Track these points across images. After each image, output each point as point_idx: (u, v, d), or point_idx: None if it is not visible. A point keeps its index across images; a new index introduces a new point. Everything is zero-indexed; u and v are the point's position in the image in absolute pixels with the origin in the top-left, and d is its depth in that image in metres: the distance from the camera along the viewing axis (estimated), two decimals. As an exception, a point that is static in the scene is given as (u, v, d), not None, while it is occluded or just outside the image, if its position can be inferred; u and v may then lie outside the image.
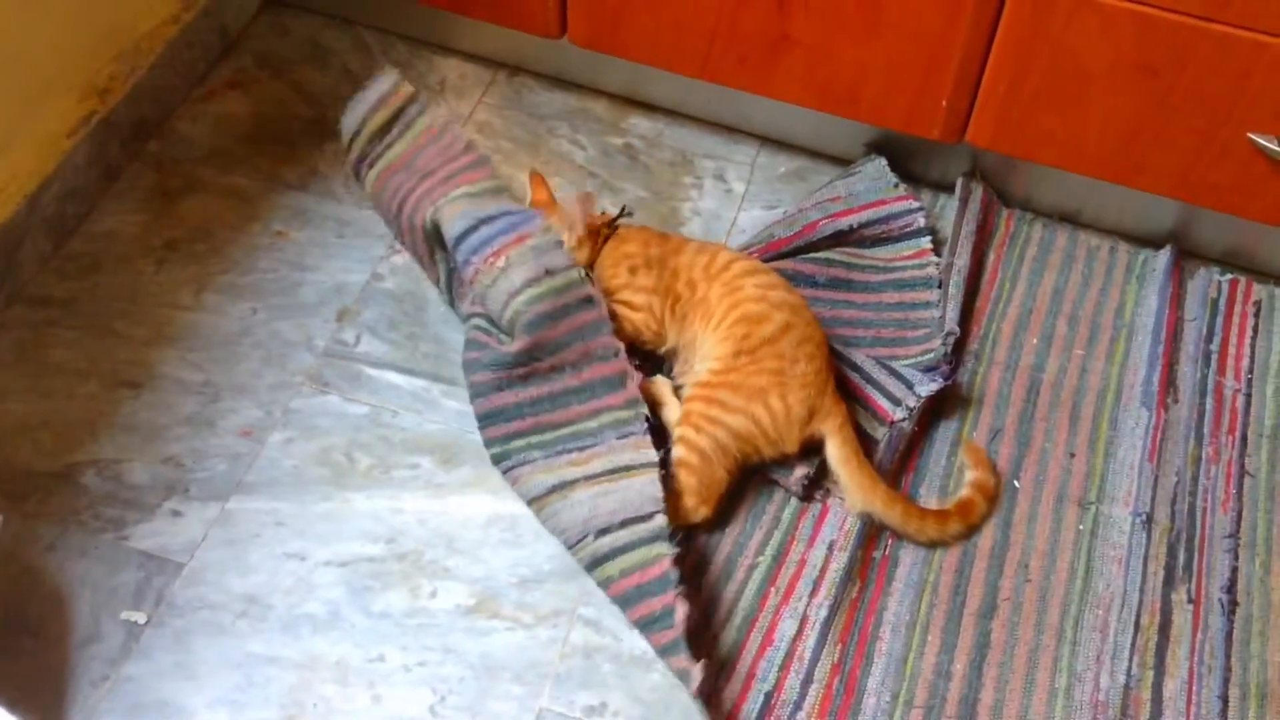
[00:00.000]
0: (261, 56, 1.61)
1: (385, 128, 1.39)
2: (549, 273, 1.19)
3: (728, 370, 1.20)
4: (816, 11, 1.32)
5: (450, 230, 1.24)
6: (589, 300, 1.19)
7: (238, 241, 1.41)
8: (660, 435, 1.19)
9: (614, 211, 1.34)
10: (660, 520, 1.09)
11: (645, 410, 1.16)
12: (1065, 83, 1.28)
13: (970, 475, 1.23)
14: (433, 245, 1.30)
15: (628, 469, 1.13)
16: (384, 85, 1.40)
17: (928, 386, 1.25)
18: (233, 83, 1.58)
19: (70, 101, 1.39)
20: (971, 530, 1.21)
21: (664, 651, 1.07)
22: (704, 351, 1.23)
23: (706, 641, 1.12)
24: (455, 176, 1.32)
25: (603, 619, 1.14)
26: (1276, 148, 1.23)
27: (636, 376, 1.17)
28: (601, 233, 1.29)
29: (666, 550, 1.08)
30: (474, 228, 1.23)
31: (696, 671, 1.03)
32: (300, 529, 1.18)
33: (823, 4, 1.31)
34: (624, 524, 1.10)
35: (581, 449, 1.16)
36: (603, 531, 1.11)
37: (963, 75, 1.32)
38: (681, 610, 1.05)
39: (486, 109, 1.58)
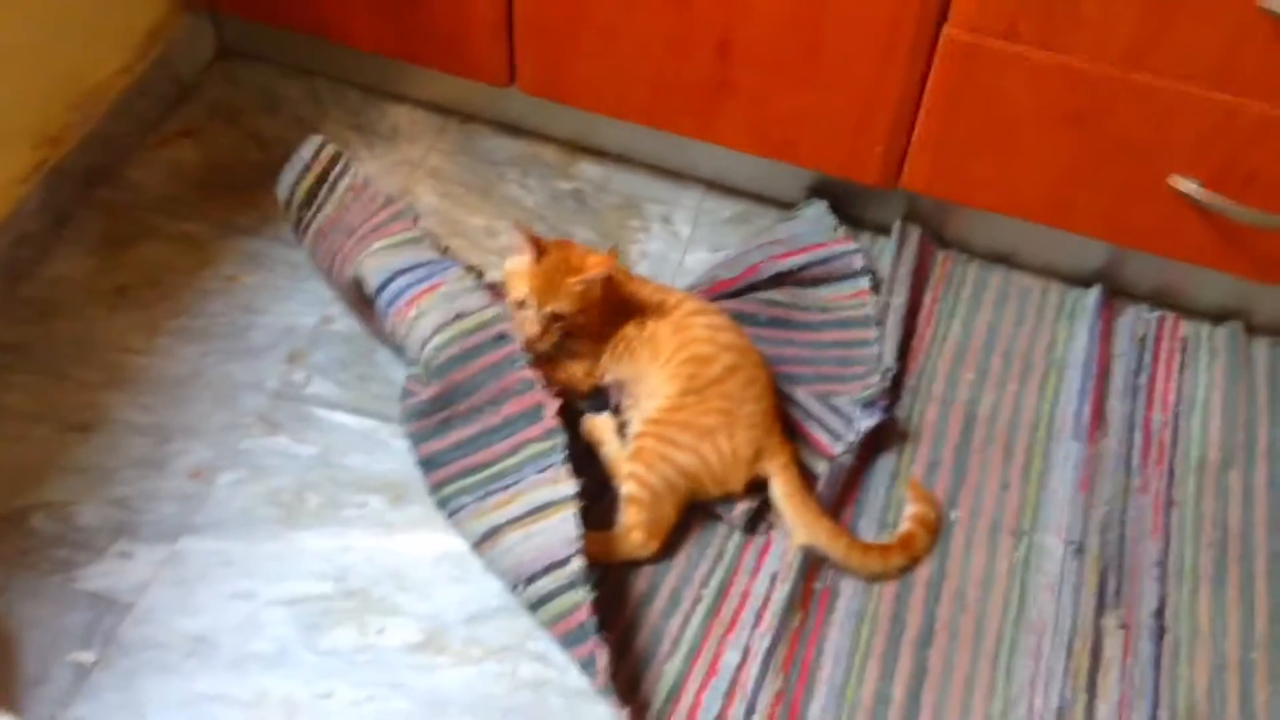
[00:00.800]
0: (214, 105, 1.64)
1: (313, 191, 1.43)
2: (459, 316, 1.23)
3: (677, 409, 1.23)
4: (756, 60, 1.36)
5: (371, 284, 1.28)
6: (501, 337, 1.21)
7: (189, 286, 1.43)
8: (580, 461, 1.19)
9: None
10: (576, 564, 1.10)
11: (563, 439, 1.17)
12: (995, 130, 1.33)
13: (911, 509, 1.26)
14: (362, 300, 1.33)
15: (546, 507, 1.14)
16: (307, 151, 1.45)
17: (866, 421, 1.28)
18: (185, 131, 1.61)
19: (23, 149, 1.41)
20: (914, 562, 1.24)
21: (600, 694, 1.09)
22: (650, 387, 1.26)
23: (651, 673, 1.14)
24: (375, 231, 1.35)
25: (550, 653, 1.16)
26: (1195, 191, 1.29)
27: (553, 405, 1.18)
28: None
29: (583, 597, 1.10)
30: (390, 279, 1.27)
31: (624, 716, 1.06)
32: (249, 568, 1.20)
33: (761, 53, 1.36)
34: (546, 569, 1.12)
35: (505, 488, 1.17)
36: (530, 579, 1.13)
37: (896, 123, 1.37)
38: (601, 659, 1.08)
39: (438, 155, 1.61)
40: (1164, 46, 1.20)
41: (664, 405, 1.23)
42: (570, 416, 1.25)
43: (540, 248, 1.24)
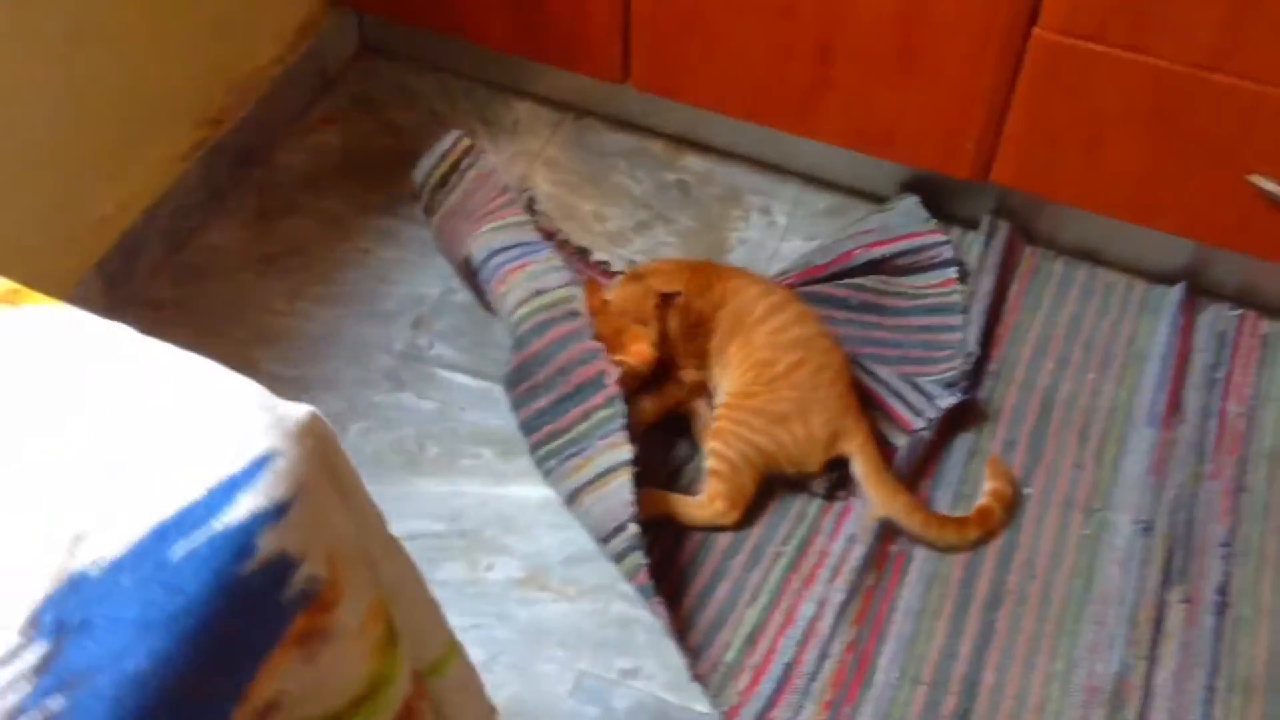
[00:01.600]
0: (355, 96, 1.79)
1: (445, 177, 1.56)
2: (538, 293, 1.34)
3: (749, 395, 1.31)
4: (855, 61, 1.46)
5: (475, 260, 1.42)
6: (573, 313, 1.32)
7: (328, 257, 1.57)
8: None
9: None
10: (632, 530, 1.20)
11: (622, 406, 1.25)
12: (1082, 127, 1.40)
13: (990, 485, 1.33)
14: (472, 275, 1.46)
15: (608, 472, 1.24)
16: (447, 143, 1.59)
17: (947, 399, 1.36)
18: (329, 119, 1.76)
19: (185, 128, 1.57)
20: (989, 537, 1.31)
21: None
22: (725, 388, 1.36)
23: (733, 619, 1.23)
24: (488, 215, 1.48)
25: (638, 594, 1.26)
26: (1274, 189, 1.34)
27: (614, 372, 1.27)
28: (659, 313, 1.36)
29: (641, 560, 1.19)
30: (490, 257, 1.41)
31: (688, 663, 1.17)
32: (374, 506, 1.32)
33: (861, 53, 1.45)
34: (614, 532, 1.23)
35: (579, 453, 1.28)
36: (604, 539, 1.24)
37: (988, 119, 1.44)
38: (661, 616, 1.18)
39: (555, 147, 1.73)
40: (1244, 50, 1.26)
41: (737, 391, 1.32)
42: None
43: (598, 302, 1.33)
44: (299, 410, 0.50)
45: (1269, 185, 1.34)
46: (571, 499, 1.29)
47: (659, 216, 1.64)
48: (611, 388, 1.27)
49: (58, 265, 1.41)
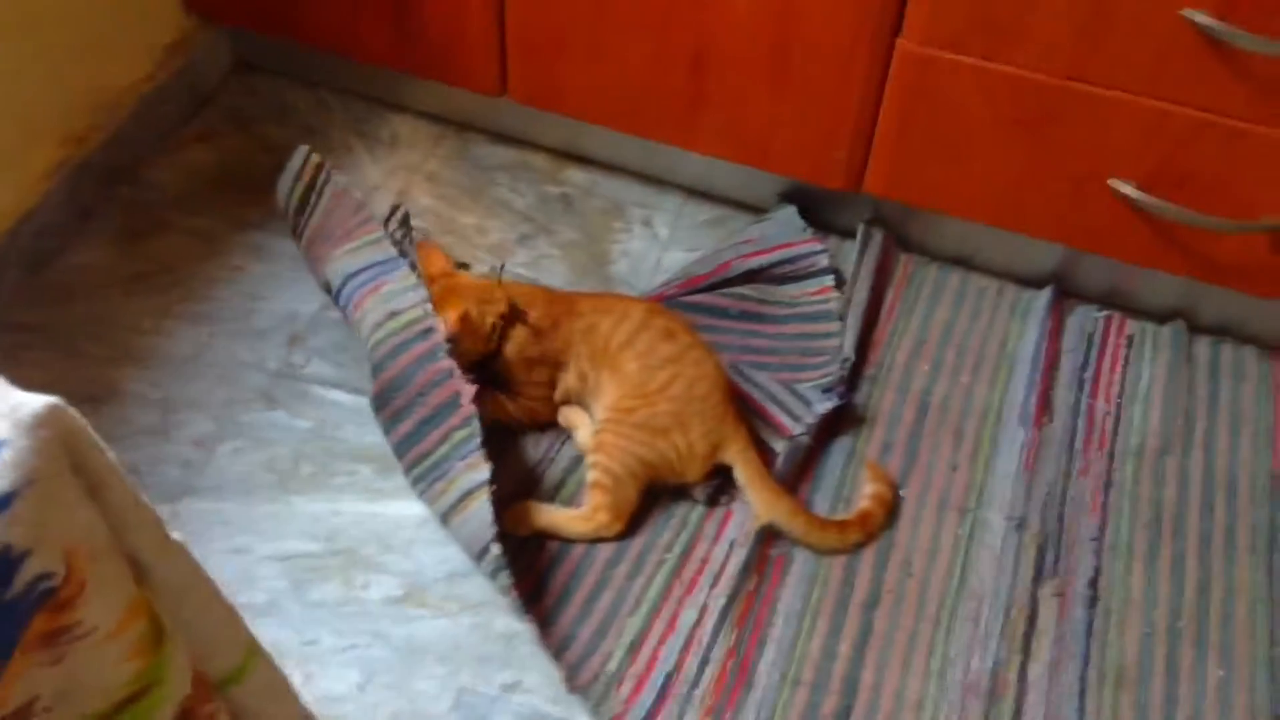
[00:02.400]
0: (229, 113, 1.75)
1: (305, 198, 1.53)
2: (392, 315, 1.33)
3: (629, 410, 1.31)
4: (727, 72, 1.47)
5: (333, 287, 1.41)
6: (427, 331, 1.30)
7: (199, 275, 1.53)
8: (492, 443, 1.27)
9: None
10: (494, 550, 1.19)
11: (477, 425, 1.24)
12: (948, 136, 1.43)
13: (869, 489, 1.35)
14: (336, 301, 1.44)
15: (469, 494, 1.23)
16: (297, 160, 1.55)
17: (824, 404, 1.38)
18: (201, 136, 1.72)
19: (49, 147, 1.52)
20: (870, 539, 1.32)
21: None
22: (603, 404, 1.35)
23: (615, 628, 1.22)
24: (345, 235, 1.46)
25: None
26: (1134, 193, 1.38)
27: (469, 391, 1.25)
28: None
29: (507, 580, 1.19)
30: (345, 283, 1.39)
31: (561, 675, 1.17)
32: (245, 527, 1.29)
33: (733, 67, 1.46)
34: (481, 553, 1.21)
35: (441, 477, 1.26)
36: (477, 559, 1.23)
37: (857, 130, 1.47)
38: (533, 632, 1.18)
39: (435, 160, 1.72)
40: (1099, 58, 1.30)
41: (615, 406, 1.32)
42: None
43: (438, 268, 1.37)
44: (36, 402, 0.48)
45: (1128, 189, 1.38)
46: (443, 521, 1.27)
47: (541, 229, 1.64)
48: (466, 408, 1.25)
49: (-91, 287, 1.36)
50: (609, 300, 1.41)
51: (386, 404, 1.32)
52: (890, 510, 1.34)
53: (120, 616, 0.49)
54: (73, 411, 0.50)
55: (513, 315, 1.35)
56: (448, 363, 1.28)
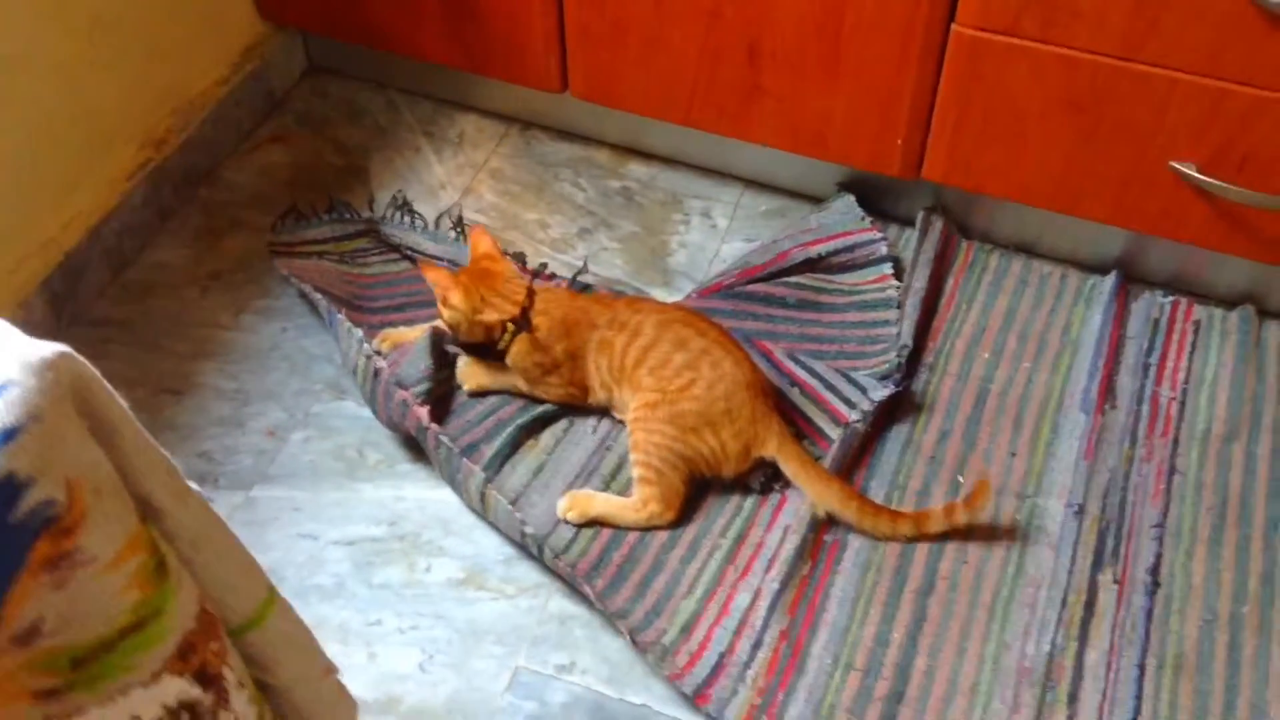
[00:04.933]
0: (302, 115, 1.81)
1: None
2: (353, 371, 1.41)
3: (654, 405, 1.31)
4: (782, 64, 1.48)
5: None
6: (377, 374, 1.37)
7: (273, 273, 1.59)
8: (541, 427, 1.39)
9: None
10: (528, 530, 1.27)
11: (446, 442, 1.31)
12: (1004, 120, 1.42)
13: (956, 501, 1.30)
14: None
15: (483, 497, 1.30)
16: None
17: (880, 392, 1.38)
18: (276, 137, 1.78)
19: (130, 150, 1.59)
20: (920, 537, 1.30)
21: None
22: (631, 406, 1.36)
23: (669, 609, 1.24)
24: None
25: (577, 592, 1.27)
26: (1195, 174, 1.36)
27: (425, 414, 1.32)
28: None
29: (551, 555, 1.27)
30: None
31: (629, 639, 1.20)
32: (314, 513, 1.34)
33: (787, 56, 1.47)
34: (523, 539, 1.29)
35: (454, 486, 1.35)
36: (522, 544, 1.30)
37: (914, 117, 1.47)
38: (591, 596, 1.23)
39: (499, 158, 1.76)
40: (1156, 37, 1.28)
41: (641, 404, 1.32)
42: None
43: (477, 246, 1.40)
44: (46, 348, 0.52)
45: (1190, 171, 1.36)
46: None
47: (602, 223, 1.66)
48: (432, 429, 1.32)
49: (1, 286, 1.43)
50: (626, 313, 1.36)
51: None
52: (955, 528, 1.30)
53: (120, 548, 0.52)
54: (83, 360, 0.54)
55: (522, 322, 1.35)
56: (401, 394, 1.34)
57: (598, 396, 1.38)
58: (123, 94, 1.56)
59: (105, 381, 0.54)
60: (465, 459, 1.30)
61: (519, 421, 1.38)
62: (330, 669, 0.73)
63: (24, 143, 1.42)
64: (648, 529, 1.31)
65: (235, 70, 1.74)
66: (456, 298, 1.34)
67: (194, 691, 0.56)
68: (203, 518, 0.60)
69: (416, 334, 1.42)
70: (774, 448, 1.30)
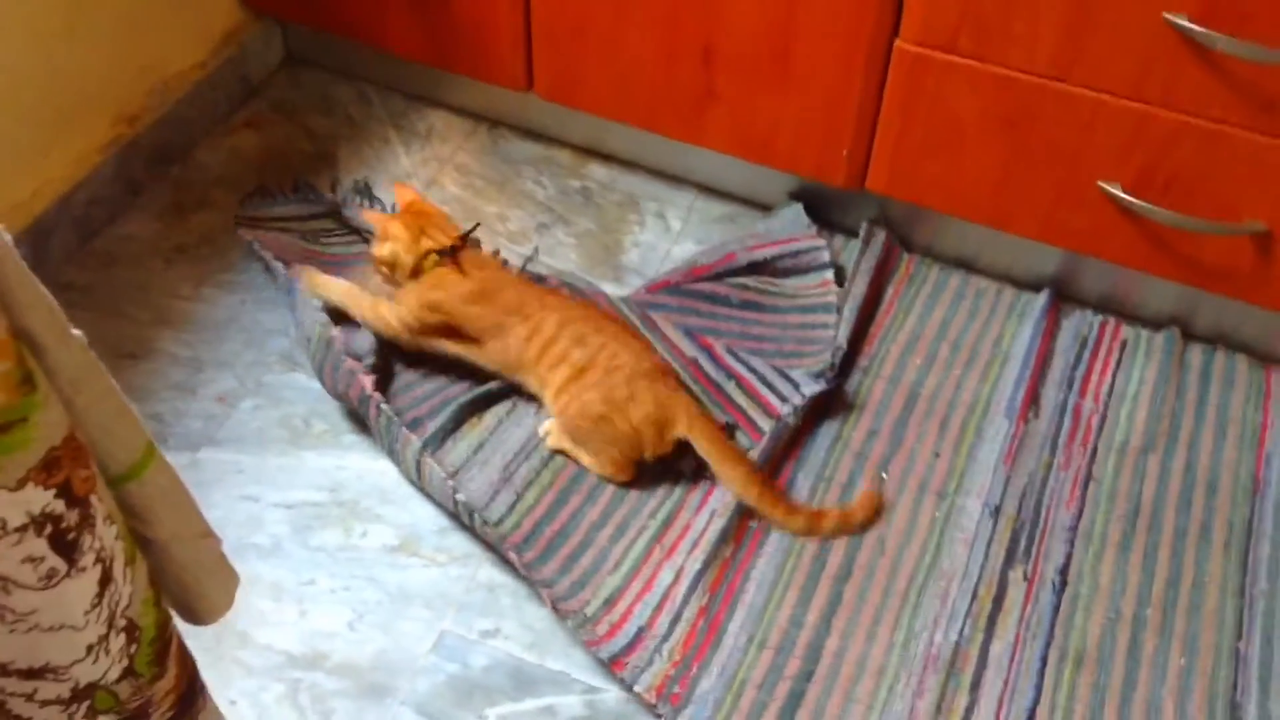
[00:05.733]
0: (277, 102, 1.86)
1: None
2: (306, 340, 1.45)
3: (567, 403, 1.37)
4: (735, 68, 1.54)
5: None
6: (329, 343, 1.41)
7: (237, 248, 1.63)
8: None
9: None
10: (460, 498, 1.31)
11: (389, 411, 1.36)
12: (943, 135, 1.48)
13: (852, 504, 1.36)
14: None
15: (418, 465, 1.35)
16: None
17: (812, 388, 1.43)
18: (249, 122, 1.83)
19: (104, 123, 1.64)
20: (811, 534, 1.34)
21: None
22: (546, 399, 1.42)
23: (593, 584, 1.29)
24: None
25: (506, 563, 1.31)
26: (1121, 194, 1.42)
27: (370, 381, 1.38)
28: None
29: (481, 519, 1.31)
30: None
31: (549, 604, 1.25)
32: (257, 476, 1.38)
33: (740, 63, 1.53)
34: (454, 508, 1.34)
35: (392, 454, 1.39)
36: (453, 512, 1.36)
37: (859, 128, 1.53)
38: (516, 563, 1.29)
39: (465, 153, 1.81)
40: (1083, 59, 1.34)
41: (558, 399, 1.38)
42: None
43: (401, 198, 1.48)
44: None
45: (1116, 191, 1.42)
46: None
47: (559, 219, 1.72)
48: (375, 397, 1.36)
49: (-33, 244, 1.47)
50: (534, 305, 1.40)
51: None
52: (845, 528, 1.35)
53: None
54: None
55: (450, 257, 1.41)
56: (349, 363, 1.38)
57: (492, 359, 1.42)
58: (99, 69, 1.61)
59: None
60: (404, 429, 1.34)
61: (462, 400, 1.43)
62: (209, 533, 0.77)
63: (-3, 106, 1.47)
64: (608, 481, 1.37)
65: (214, 55, 1.79)
66: (397, 228, 1.41)
67: (58, 506, 0.61)
68: (82, 360, 0.64)
69: (338, 284, 1.47)
70: (685, 426, 1.35)
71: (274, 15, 1.85)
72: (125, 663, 0.69)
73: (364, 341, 1.43)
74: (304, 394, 1.47)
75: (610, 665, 1.22)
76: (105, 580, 0.65)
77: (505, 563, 1.31)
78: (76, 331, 0.64)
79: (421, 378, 1.46)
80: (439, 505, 1.36)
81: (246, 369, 1.49)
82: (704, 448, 1.34)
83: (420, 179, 1.76)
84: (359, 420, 1.44)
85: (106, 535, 0.65)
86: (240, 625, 1.25)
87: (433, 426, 1.40)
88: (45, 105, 1.54)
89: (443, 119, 1.86)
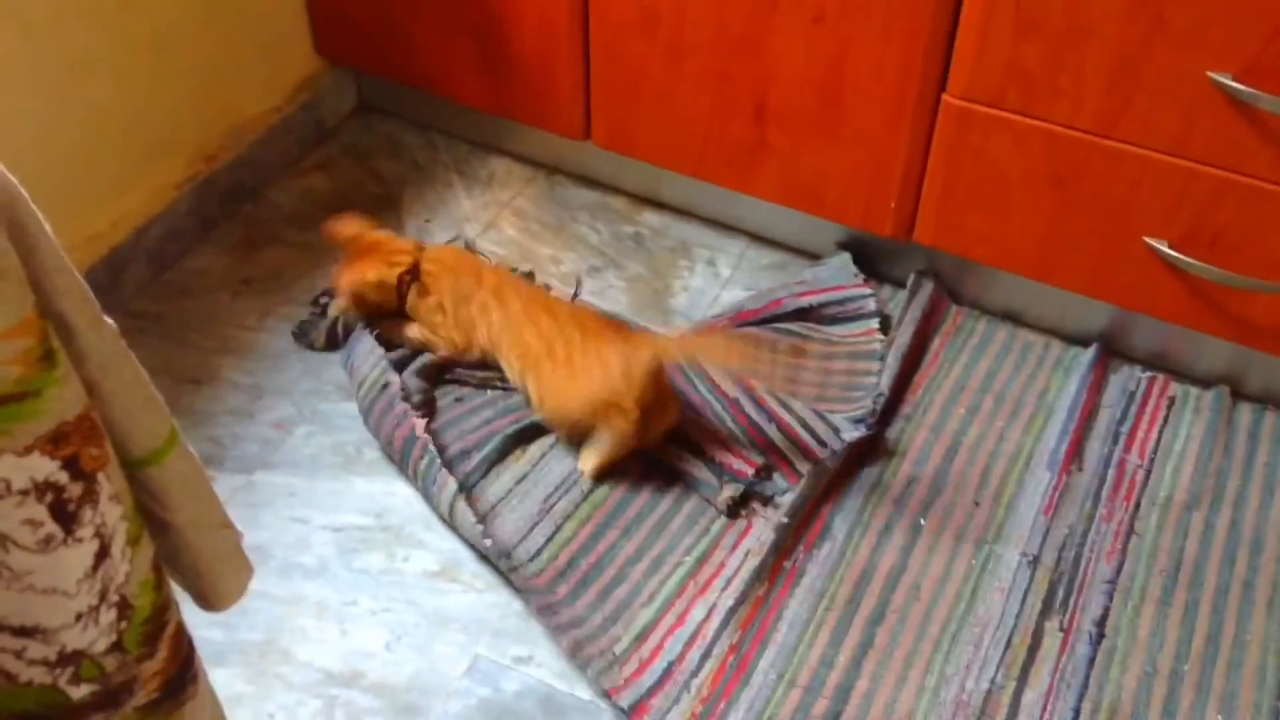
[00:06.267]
0: (348, 146, 1.94)
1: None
2: (360, 384, 1.50)
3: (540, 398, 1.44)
4: (786, 122, 1.58)
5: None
6: (385, 386, 1.47)
7: (301, 283, 1.70)
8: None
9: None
10: (486, 544, 1.35)
11: (434, 453, 1.40)
12: (989, 188, 1.50)
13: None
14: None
15: (451, 508, 1.38)
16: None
17: (852, 433, 1.45)
18: (320, 165, 1.91)
19: (181, 162, 1.72)
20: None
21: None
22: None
23: (626, 617, 1.31)
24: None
25: (543, 593, 1.34)
26: (1168, 250, 1.43)
27: (420, 425, 1.43)
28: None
29: (507, 563, 1.35)
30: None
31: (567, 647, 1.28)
32: (308, 500, 1.43)
33: (791, 116, 1.57)
34: (494, 554, 1.37)
35: (430, 500, 1.43)
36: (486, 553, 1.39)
37: (907, 180, 1.55)
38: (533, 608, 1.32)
39: (524, 198, 1.87)
40: (1129, 116, 1.36)
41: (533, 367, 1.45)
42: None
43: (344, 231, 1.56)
44: None
45: (1163, 247, 1.43)
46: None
47: (611, 263, 1.76)
48: (423, 439, 1.41)
49: (48, 270, 1.55)
50: (508, 289, 1.50)
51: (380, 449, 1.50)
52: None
53: (10, 325, 0.60)
54: (14, 180, 0.62)
55: (415, 270, 1.52)
56: (401, 406, 1.44)
57: (479, 350, 1.50)
58: (179, 109, 1.69)
59: (32, 203, 0.63)
60: (444, 470, 1.39)
61: (508, 432, 1.46)
62: (228, 525, 0.80)
63: (81, 143, 1.56)
64: (630, 436, 1.39)
65: (289, 100, 1.88)
66: (368, 271, 1.50)
67: (62, 477, 0.64)
68: (112, 345, 0.68)
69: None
70: (649, 358, 1.36)
71: (349, 65, 1.93)
72: (114, 637, 0.71)
73: (413, 383, 1.47)
74: (357, 422, 1.52)
75: (629, 714, 1.23)
76: (102, 554, 0.68)
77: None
78: (109, 320, 0.68)
79: (467, 414, 1.50)
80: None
81: (304, 397, 1.55)
82: (690, 355, 1.42)
83: (480, 222, 1.81)
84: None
85: (110, 513, 0.68)
86: (283, 642, 1.29)
87: (478, 457, 1.44)
88: (128, 142, 1.62)
89: (504, 166, 1.92)
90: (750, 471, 1.42)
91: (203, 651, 1.26)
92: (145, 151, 1.66)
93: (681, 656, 1.27)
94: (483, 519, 1.37)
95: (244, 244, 1.76)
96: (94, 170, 1.59)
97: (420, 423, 1.43)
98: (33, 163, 1.48)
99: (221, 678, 1.25)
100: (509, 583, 1.35)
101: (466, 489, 1.40)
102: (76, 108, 1.53)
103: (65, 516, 0.65)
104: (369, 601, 1.33)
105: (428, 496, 1.42)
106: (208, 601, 0.83)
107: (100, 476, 0.67)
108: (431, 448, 1.40)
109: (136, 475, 0.73)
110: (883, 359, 1.57)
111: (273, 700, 1.24)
